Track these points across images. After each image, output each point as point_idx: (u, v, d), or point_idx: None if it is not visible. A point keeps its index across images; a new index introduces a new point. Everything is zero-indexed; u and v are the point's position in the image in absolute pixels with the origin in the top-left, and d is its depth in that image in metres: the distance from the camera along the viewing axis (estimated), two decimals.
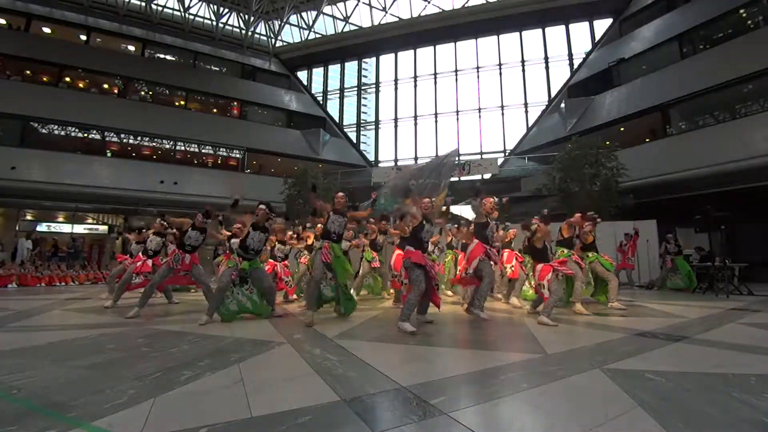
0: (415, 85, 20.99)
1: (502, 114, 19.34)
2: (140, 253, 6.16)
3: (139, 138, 16.69)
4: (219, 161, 18.35)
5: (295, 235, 6.74)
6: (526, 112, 18.99)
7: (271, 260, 6.33)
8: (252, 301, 4.74)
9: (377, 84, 21.77)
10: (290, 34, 21.76)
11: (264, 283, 4.82)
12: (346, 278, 4.61)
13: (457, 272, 6.16)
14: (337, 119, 21.88)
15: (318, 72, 22.59)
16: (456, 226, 6.50)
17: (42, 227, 15.06)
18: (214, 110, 19.11)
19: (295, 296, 6.68)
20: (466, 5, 19.38)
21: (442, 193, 5.66)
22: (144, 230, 6.79)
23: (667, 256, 8.46)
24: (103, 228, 15.94)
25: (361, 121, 22.02)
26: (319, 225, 5.58)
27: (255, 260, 4.78)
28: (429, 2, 20.01)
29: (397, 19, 20.58)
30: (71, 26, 17.02)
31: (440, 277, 6.75)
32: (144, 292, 5.11)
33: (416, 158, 20.05)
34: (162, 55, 19.11)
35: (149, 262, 5.99)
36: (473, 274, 4.56)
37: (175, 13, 19.20)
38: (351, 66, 22.35)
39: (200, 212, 5.09)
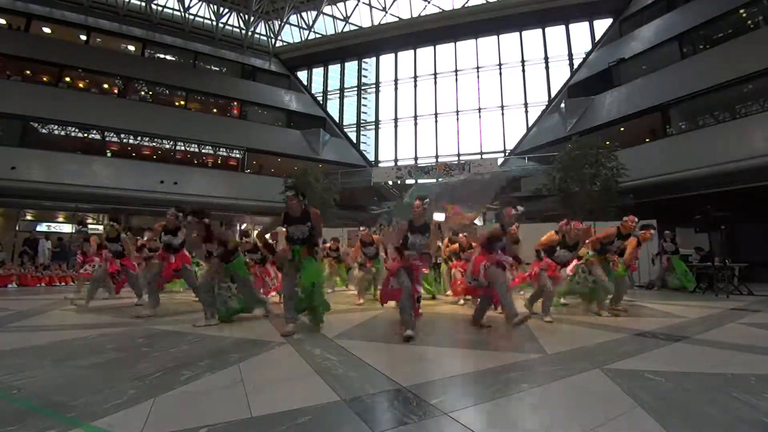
0: (415, 85, 20.99)
1: (502, 114, 19.35)
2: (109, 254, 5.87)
3: (139, 138, 16.70)
4: (219, 161, 18.36)
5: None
6: (526, 112, 18.99)
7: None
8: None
9: (377, 84, 21.78)
10: (290, 34, 21.77)
11: (244, 288, 4.64)
12: (314, 279, 3.92)
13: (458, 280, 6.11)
14: (337, 119, 21.88)
15: (318, 72, 22.59)
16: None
17: (42, 227, 15.06)
18: (214, 110, 19.11)
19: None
20: (466, 5, 19.38)
21: (477, 212, 5.45)
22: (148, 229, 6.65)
23: (663, 255, 8.44)
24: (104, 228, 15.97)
25: (361, 121, 22.02)
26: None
27: (234, 263, 4.51)
28: (429, 2, 20.02)
29: (397, 19, 20.59)
30: (71, 26, 17.01)
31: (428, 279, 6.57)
32: (150, 292, 5.13)
33: (416, 158, 20.08)
34: (162, 55, 19.11)
35: (117, 262, 5.79)
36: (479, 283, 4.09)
37: (175, 13, 19.19)
38: (351, 66, 22.35)
39: (170, 212, 4.86)
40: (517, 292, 6.11)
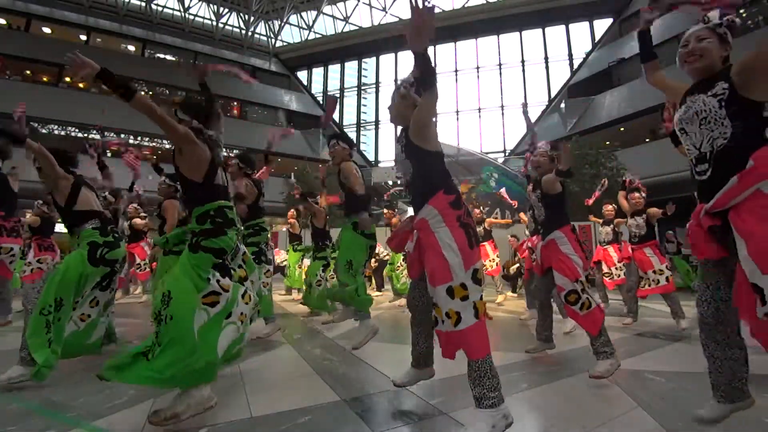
0: None
1: (502, 114, 19.37)
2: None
3: (139, 138, 16.70)
4: None
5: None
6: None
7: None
8: None
9: (377, 84, 21.78)
10: (290, 34, 21.79)
11: None
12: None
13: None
14: (337, 119, 21.89)
15: (318, 72, 22.61)
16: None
17: None
18: None
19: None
20: (466, 5, 19.39)
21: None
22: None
23: (665, 255, 8.45)
24: None
25: (361, 121, 22.03)
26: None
27: None
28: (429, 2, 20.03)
29: (397, 19, 20.60)
30: (71, 26, 17.02)
31: None
32: None
33: None
34: (162, 55, 19.12)
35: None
36: None
37: (175, 13, 19.21)
38: (351, 66, 22.36)
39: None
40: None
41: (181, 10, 19.09)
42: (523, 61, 19.24)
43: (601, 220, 5.54)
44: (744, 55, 1.26)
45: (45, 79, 15.85)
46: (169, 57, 19.23)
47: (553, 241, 2.51)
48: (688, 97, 1.43)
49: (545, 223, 2.61)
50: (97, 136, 15.88)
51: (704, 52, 1.39)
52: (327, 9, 20.90)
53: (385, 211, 6.02)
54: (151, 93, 17.78)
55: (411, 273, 1.85)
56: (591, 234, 9.10)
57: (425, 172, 1.72)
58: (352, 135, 21.78)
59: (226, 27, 20.26)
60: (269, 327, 3.23)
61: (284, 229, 7.13)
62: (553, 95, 18.43)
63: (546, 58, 18.91)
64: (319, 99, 22.14)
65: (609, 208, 5.24)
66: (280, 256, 7.13)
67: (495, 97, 19.52)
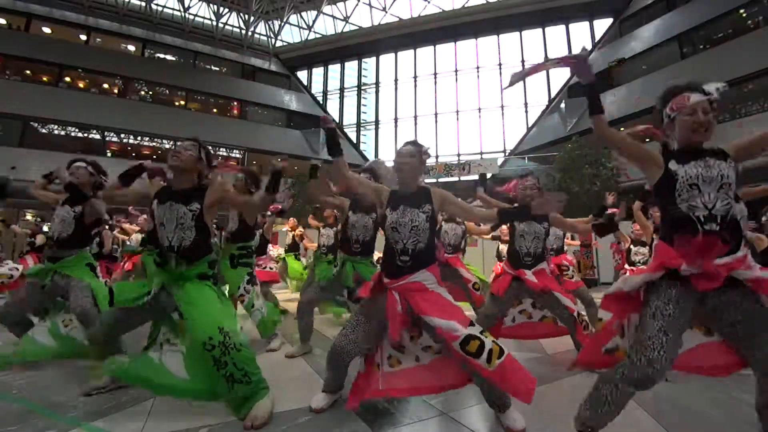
0: (415, 85, 21.00)
1: (502, 114, 19.36)
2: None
3: (139, 138, 16.71)
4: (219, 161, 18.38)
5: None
6: (526, 112, 19.00)
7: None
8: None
9: (377, 84, 21.77)
10: (290, 34, 21.77)
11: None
12: None
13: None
14: (337, 119, 21.89)
15: (318, 72, 22.60)
16: None
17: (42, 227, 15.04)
18: (214, 110, 19.10)
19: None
20: (466, 5, 19.38)
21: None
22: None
23: None
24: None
25: (361, 121, 22.03)
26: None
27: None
28: (429, 2, 20.03)
29: (397, 19, 20.59)
30: (71, 26, 17.01)
31: None
32: None
33: None
34: (162, 55, 19.12)
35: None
36: None
37: (175, 13, 19.19)
38: (351, 66, 22.35)
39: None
40: None
41: (181, 10, 19.08)
42: (523, 61, 19.22)
43: (632, 240, 4.64)
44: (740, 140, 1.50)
45: (45, 79, 15.84)
46: (169, 57, 19.22)
47: (544, 270, 2.67)
48: (703, 156, 1.49)
49: (540, 255, 2.67)
50: (97, 136, 15.89)
51: (710, 127, 1.47)
52: (327, 9, 20.88)
53: None
54: (151, 93, 17.78)
55: (395, 335, 1.75)
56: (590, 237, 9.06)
57: (431, 243, 1.89)
58: (353, 135, 21.79)
59: (226, 27, 20.24)
60: (275, 341, 3.28)
61: (284, 229, 7.05)
62: (553, 95, 18.43)
63: (546, 58, 18.92)
64: (319, 99, 22.14)
65: (637, 227, 4.42)
66: (278, 249, 6.99)
67: (495, 97, 19.53)
